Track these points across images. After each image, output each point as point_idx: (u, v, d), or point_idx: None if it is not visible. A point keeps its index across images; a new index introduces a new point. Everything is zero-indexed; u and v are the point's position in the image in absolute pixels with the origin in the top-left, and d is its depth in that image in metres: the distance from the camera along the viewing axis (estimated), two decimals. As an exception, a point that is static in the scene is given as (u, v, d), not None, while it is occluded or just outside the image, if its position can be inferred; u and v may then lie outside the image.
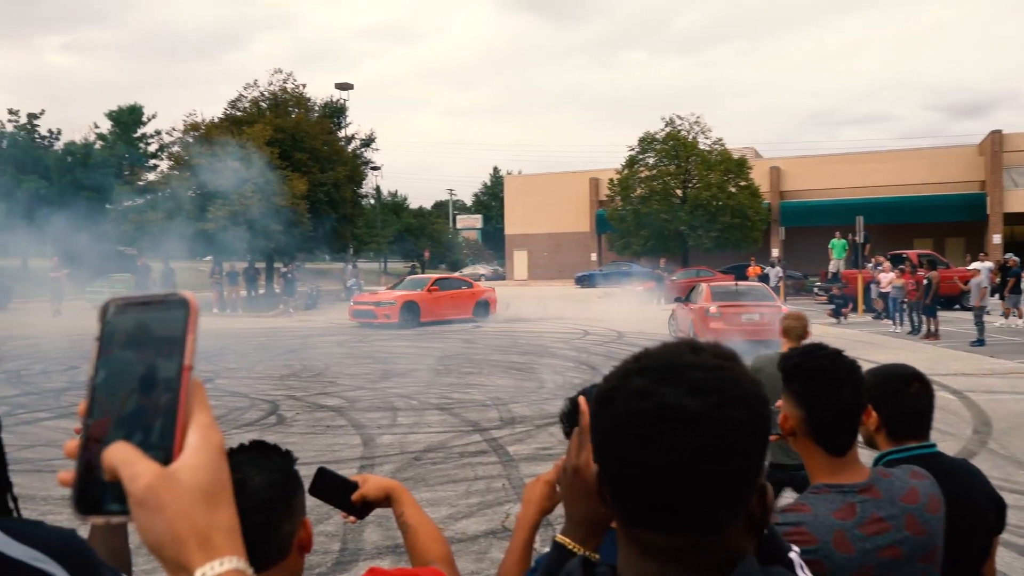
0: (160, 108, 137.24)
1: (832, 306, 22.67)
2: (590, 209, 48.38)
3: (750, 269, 30.97)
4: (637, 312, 23.91)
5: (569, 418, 1.54)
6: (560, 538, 1.11)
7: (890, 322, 20.14)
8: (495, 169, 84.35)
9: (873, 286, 22.78)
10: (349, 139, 42.75)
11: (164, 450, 0.60)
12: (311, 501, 1.44)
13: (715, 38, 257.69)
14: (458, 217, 79.60)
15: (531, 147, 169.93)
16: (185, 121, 32.60)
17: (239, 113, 34.29)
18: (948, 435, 8.15)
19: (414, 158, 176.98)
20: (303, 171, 30.89)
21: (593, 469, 0.92)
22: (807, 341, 3.54)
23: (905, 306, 19.22)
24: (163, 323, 0.63)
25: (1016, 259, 20.36)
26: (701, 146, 38.57)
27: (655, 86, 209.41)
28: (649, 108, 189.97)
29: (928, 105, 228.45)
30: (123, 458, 0.59)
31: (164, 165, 37.01)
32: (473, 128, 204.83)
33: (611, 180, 40.94)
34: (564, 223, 50.01)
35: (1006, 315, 19.78)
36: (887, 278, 21.13)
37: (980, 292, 16.68)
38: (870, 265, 24.42)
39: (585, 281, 41.27)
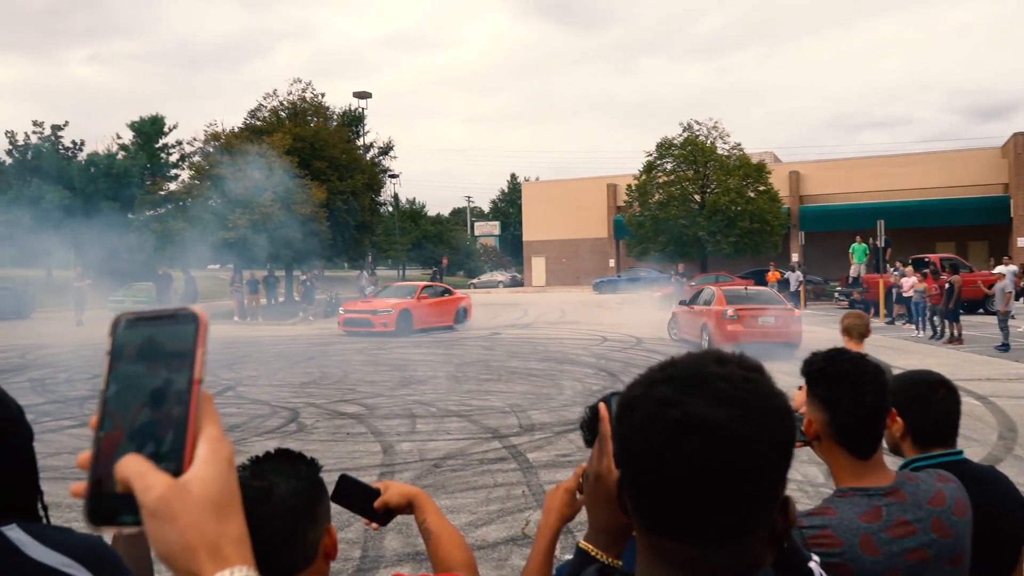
0: (181, 119, 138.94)
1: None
2: (608, 215, 48.31)
3: (769, 274, 30.77)
4: (656, 318, 23.82)
5: (589, 426, 1.54)
6: (583, 544, 1.12)
7: (912, 327, 19.95)
8: (513, 176, 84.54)
9: (894, 291, 22.59)
10: (368, 147, 43.03)
11: (175, 462, 0.61)
12: (332, 508, 1.45)
13: (734, 43, 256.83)
14: (476, 224, 79.73)
15: (549, 153, 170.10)
16: (206, 131, 33.02)
17: (259, 123, 34.64)
18: (973, 441, 8.05)
19: (432, 165, 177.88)
20: (322, 179, 31.14)
21: (614, 476, 0.92)
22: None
23: (927, 311, 19.03)
24: (173, 337, 0.64)
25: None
26: (720, 151, 38.44)
27: (674, 91, 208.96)
28: (668, 113, 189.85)
29: (949, 108, 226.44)
30: (135, 470, 0.60)
31: (185, 175, 37.42)
32: (491, 135, 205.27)
33: (629, 186, 40.87)
34: (582, 229, 49.97)
35: (1031, 319, 19.53)
36: (909, 282, 20.93)
37: (1005, 297, 16.46)
38: (893, 271, 24.20)
39: (604, 287, 41.21)
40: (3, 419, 1.31)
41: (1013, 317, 16.63)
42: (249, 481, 1.35)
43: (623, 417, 0.81)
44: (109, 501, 0.61)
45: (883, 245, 25.81)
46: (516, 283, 55.14)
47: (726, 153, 38.46)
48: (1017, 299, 19.16)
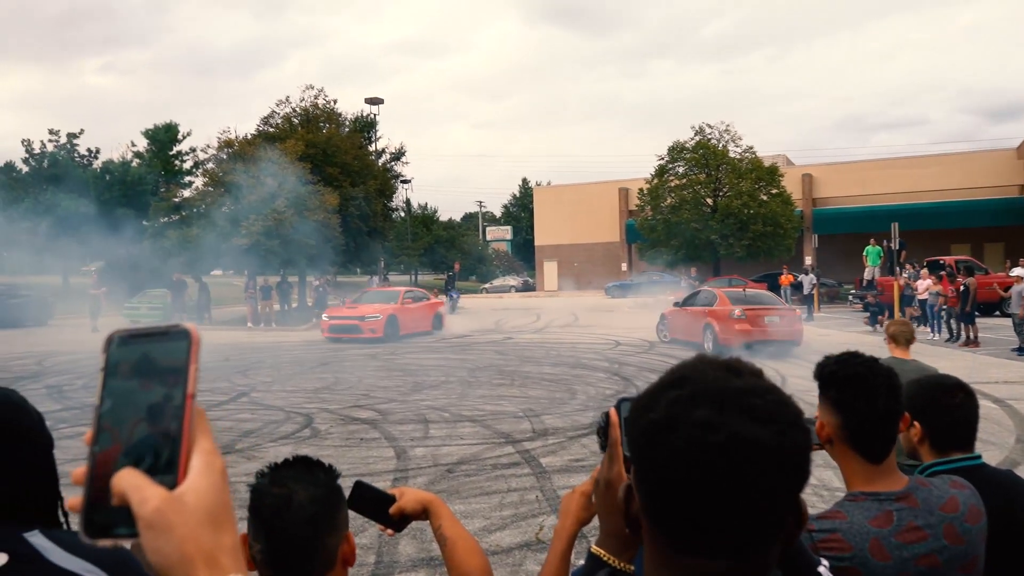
0: (195, 126, 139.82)
1: (868, 314, 22.35)
2: (620, 219, 48.22)
3: (782, 277, 30.59)
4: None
5: (605, 431, 1.54)
6: (596, 549, 1.13)
7: (927, 329, 19.80)
8: (524, 180, 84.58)
9: (905, 293, 22.43)
10: (379, 153, 43.16)
11: (170, 475, 0.63)
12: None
13: (745, 45, 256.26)
14: (488, 229, 79.81)
15: (560, 158, 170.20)
16: (219, 138, 33.22)
17: (272, 129, 34.82)
18: (991, 444, 7.98)
19: (444, 171, 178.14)
20: (334, 185, 31.24)
21: (623, 483, 0.92)
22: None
23: (943, 313, 18.89)
24: (166, 353, 0.66)
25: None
26: (731, 154, 38.31)
27: (684, 95, 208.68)
28: (679, 117, 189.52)
29: (963, 108, 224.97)
30: (132, 483, 0.61)
31: (199, 182, 37.67)
32: (502, 140, 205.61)
33: (641, 190, 40.78)
34: (594, 233, 49.91)
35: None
36: (924, 285, 20.78)
37: (1022, 300, 16.31)
38: (903, 273, 24.03)
39: (616, 291, 41.12)
40: (25, 427, 1.33)
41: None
42: (269, 488, 1.36)
43: (657, 441, 0.78)
44: (105, 514, 0.62)
45: (897, 247, 25.62)
46: (528, 288, 55.13)
47: (738, 156, 38.32)
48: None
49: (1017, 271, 21.54)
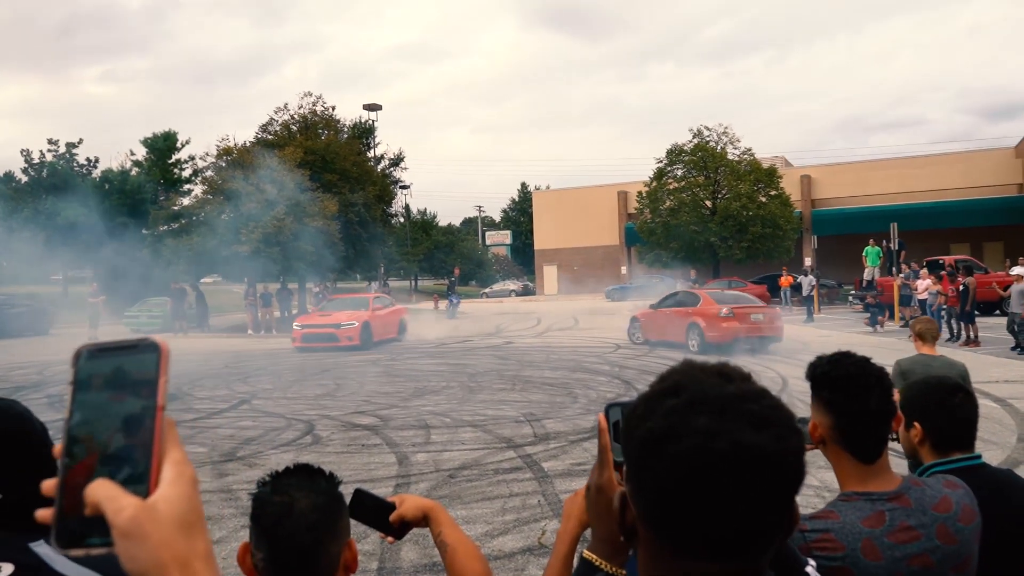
0: (194, 134, 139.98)
1: (868, 315, 22.35)
2: (619, 222, 48.26)
3: (782, 279, 30.59)
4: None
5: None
6: (587, 554, 1.13)
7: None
8: (523, 185, 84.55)
9: (903, 293, 22.45)
10: (378, 159, 43.20)
11: (143, 485, 0.64)
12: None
13: (743, 48, 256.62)
14: (487, 233, 79.78)
15: (559, 162, 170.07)
16: (218, 146, 33.26)
17: (270, 137, 34.86)
18: (991, 444, 7.99)
19: (443, 176, 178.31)
20: (333, 192, 31.26)
21: (617, 491, 0.93)
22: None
23: (944, 313, 18.89)
24: (136, 366, 0.67)
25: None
26: (730, 156, 38.35)
27: (683, 97, 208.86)
28: (678, 120, 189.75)
29: (962, 108, 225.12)
30: (106, 494, 0.63)
31: (198, 190, 37.68)
32: (501, 144, 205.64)
33: (640, 193, 40.82)
34: (593, 237, 49.93)
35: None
36: (923, 285, 20.78)
37: (1023, 299, 16.31)
38: (899, 273, 24.04)
39: (616, 294, 41.12)
40: (29, 438, 1.35)
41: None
42: (270, 497, 1.37)
43: (657, 451, 0.79)
44: (77, 524, 0.64)
45: (897, 248, 25.64)
46: (528, 292, 55.13)
47: (737, 158, 38.36)
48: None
49: (1017, 270, 21.58)
